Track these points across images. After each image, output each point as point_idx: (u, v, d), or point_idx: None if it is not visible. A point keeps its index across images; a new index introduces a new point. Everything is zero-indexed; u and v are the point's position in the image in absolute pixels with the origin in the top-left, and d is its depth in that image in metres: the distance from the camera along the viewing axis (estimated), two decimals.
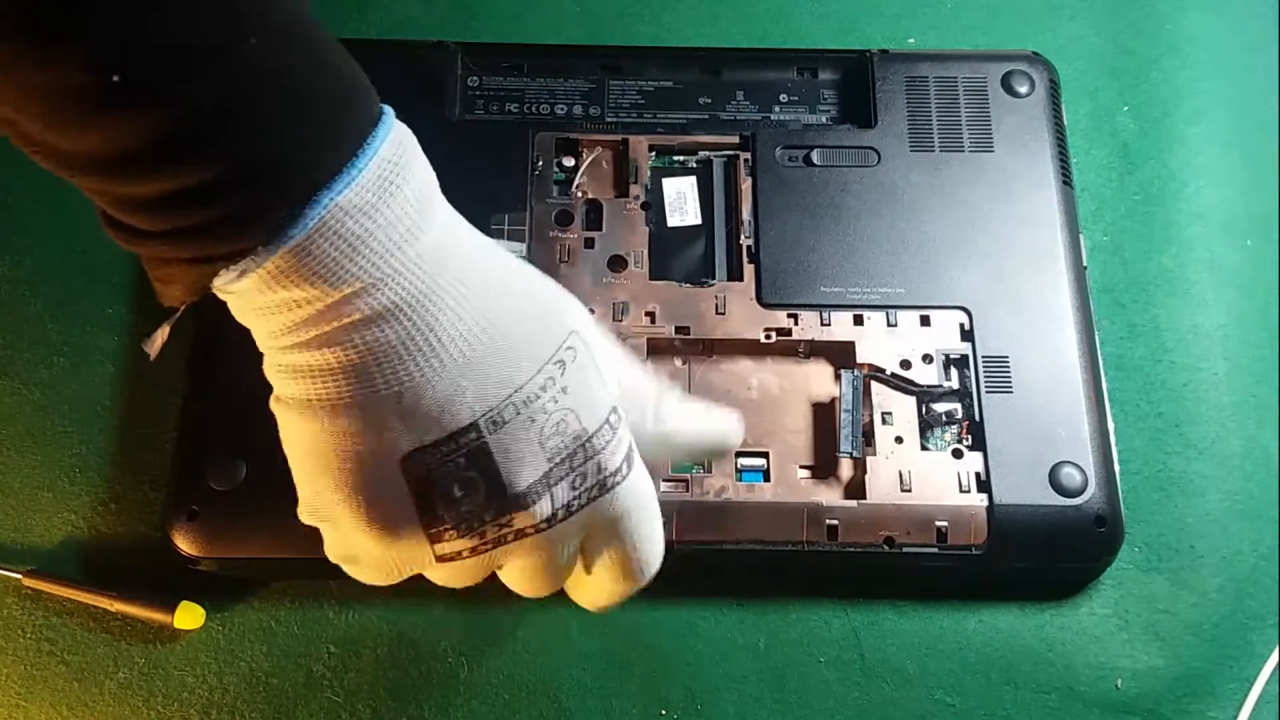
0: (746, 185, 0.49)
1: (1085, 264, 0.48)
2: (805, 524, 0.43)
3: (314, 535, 0.43)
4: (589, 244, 0.48)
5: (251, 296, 0.29)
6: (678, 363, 0.47)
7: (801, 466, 0.45)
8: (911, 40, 0.56)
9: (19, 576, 0.44)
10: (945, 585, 0.45)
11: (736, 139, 0.50)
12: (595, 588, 0.36)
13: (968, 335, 0.46)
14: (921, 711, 0.44)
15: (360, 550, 0.33)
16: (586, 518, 0.33)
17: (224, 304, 0.46)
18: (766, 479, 0.45)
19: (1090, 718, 0.44)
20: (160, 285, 0.31)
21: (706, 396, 0.46)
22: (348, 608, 0.45)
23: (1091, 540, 0.44)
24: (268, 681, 0.44)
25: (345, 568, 0.35)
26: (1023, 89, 0.51)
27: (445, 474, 0.30)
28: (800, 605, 0.45)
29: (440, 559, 0.32)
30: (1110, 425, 0.46)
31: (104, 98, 0.25)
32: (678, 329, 0.46)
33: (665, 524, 0.43)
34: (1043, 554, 0.44)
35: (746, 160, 0.49)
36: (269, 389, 0.46)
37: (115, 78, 0.24)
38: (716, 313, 0.47)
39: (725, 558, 0.44)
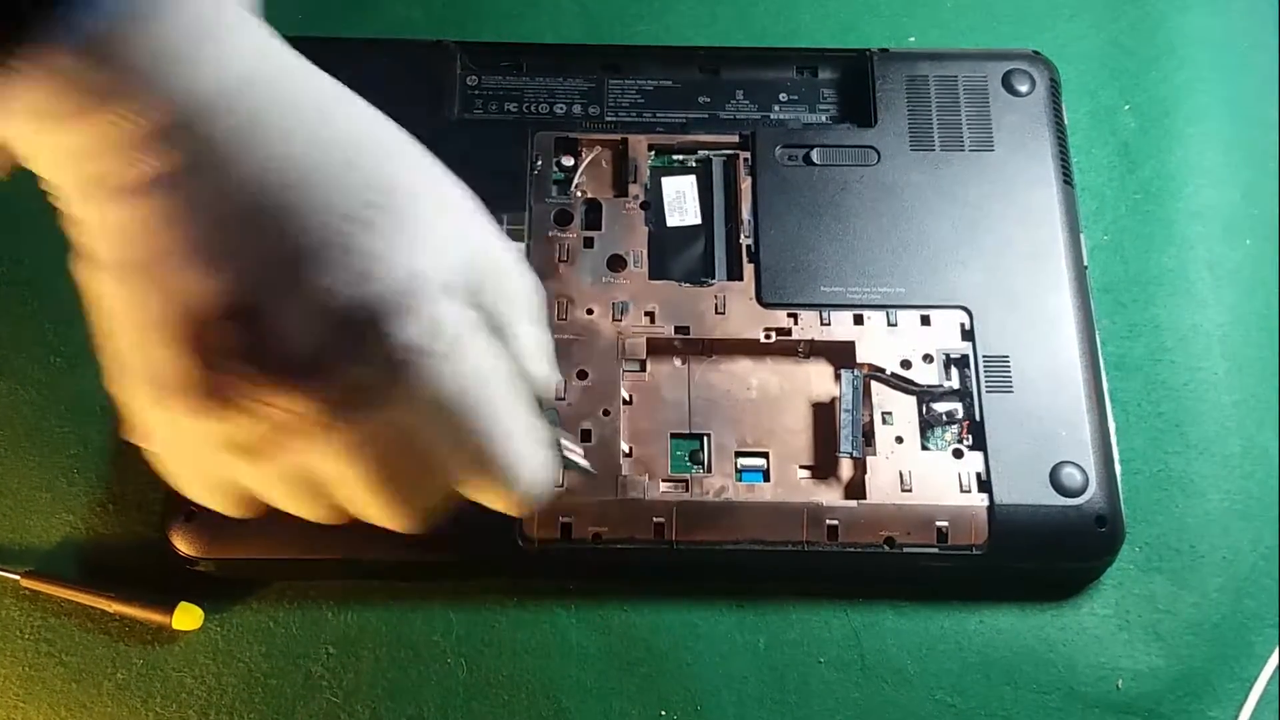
0: (746, 185, 0.49)
1: (1086, 263, 0.48)
2: (805, 524, 0.43)
3: (313, 535, 0.43)
4: (588, 244, 0.48)
5: (49, 111, 0.25)
6: (677, 363, 0.47)
7: (801, 466, 0.45)
8: (912, 39, 0.56)
9: (17, 577, 0.44)
10: (945, 585, 0.45)
11: (736, 138, 0.50)
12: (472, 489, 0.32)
13: (968, 335, 0.46)
14: (921, 711, 0.44)
15: (143, 422, 0.30)
16: (392, 409, 0.28)
17: None
18: (766, 479, 0.45)
19: (1091, 718, 0.44)
20: None
21: (706, 396, 0.46)
22: (347, 608, 0.45)
23: (1092, 540, 0.43)
24: (266, 682, 0.44)
25: (153, 450, 0.31)
26: (1023, 88, 0.51)
27: (218, 343, 0.27)
28: (800, 605, 0.45)
29: (240, 450, 0.29)
30: (1111, 425, 0.46)
31: None
32: (677, 329, 0.46)
33: (665, 524, 0.43)
34: (1043, 554, 0.44)
35: (746, 159, 0.49)
36: None
37: None
38: (716, 312, 0.47)
39: (725, 558, 0.43)
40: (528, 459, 0.32)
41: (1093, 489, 0.44)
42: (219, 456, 0.29)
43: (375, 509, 0.31)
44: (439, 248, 0.29)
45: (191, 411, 0.28)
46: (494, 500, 0.32)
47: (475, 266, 0.30)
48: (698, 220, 0.49)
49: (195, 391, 0.28)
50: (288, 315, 0.27)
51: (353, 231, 0.27)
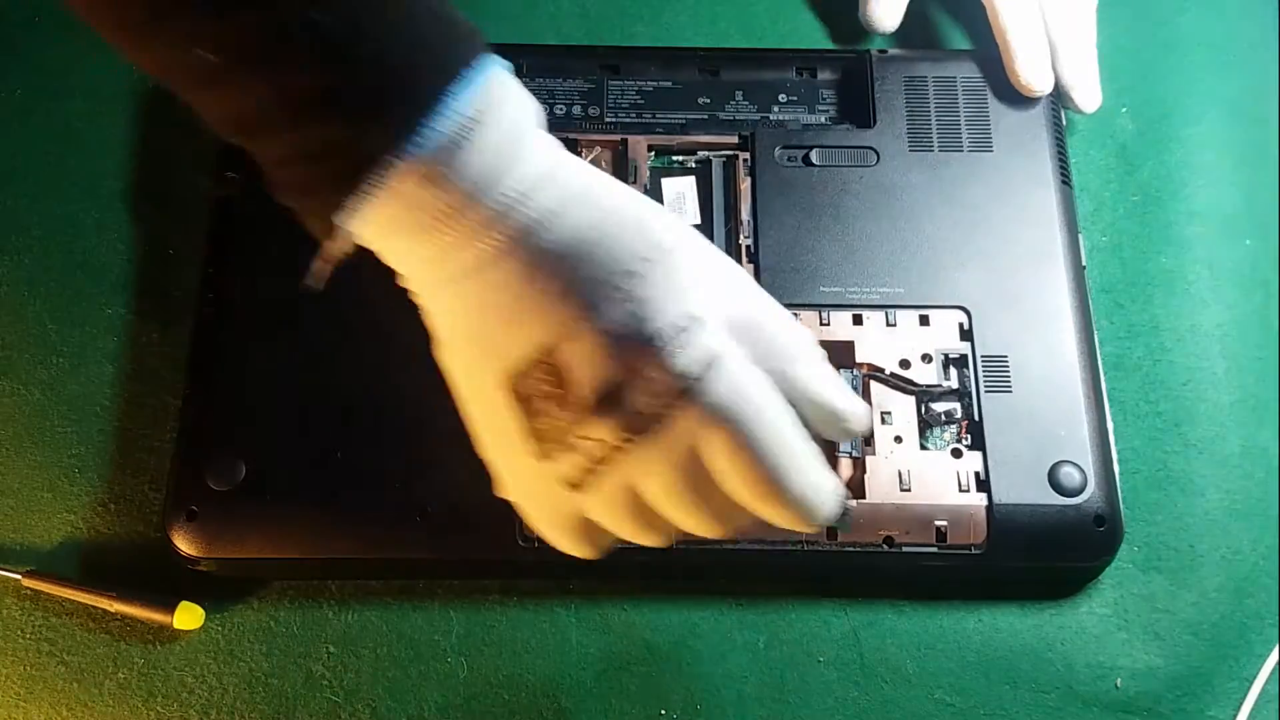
0: (745, 185, 0.49)
1: (1084, 264, 0.48)
2: None
3: (313, 535, 0.43)
4: None
5: (396, 226, 0.31)
6: None
7: None
8: (911, 40, 0.56)
9: (18, 577, 0.44)
10: (945, 585, 0.45)
11: (735, 139, 0.50)
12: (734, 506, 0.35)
13: (967, 335, 0.46)
14: (921, 711, 0.44)
15: (501, 475, 0.35)
16: (680, 426, 0.32)
17: (223, 301, 0.46)
18: None
19: (1090, 717, 0.44)
20: (310, 220, 0.33)
21: None
22: (347, 608, 0.45)
23: (1091, 540, 0.44)
24: (267, 682, 0.44)
25: (514, 500, 0.36)
26: None
27: (536, 394, 0.32)
28: (800, 605, 0.45)
29: (573, 485, 0.33)
30: (1109, 425, 0.46)
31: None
32: None
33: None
34: (1042, 553, 0.44)
35: (745, 160, 0.49)
36: (270, 389, 0.47)
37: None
38: None
39: (725, 558, 0.44)
40: (817, 486, 0.34)
41: (1091, 488, 0.44)
42: (560, 495, 0.34)
43: (693, 523, 0.34)
44: (705, 295, 0.33)
45: (526, 456, 0.33)
46: (790, 523, 0.34)
47: (742, 313, 0.34)
48: (697, 221, 0.49)
49: (525, 437, 0.33)
50: (581, 358, 0.32)
51: (630, 286, 0.32)
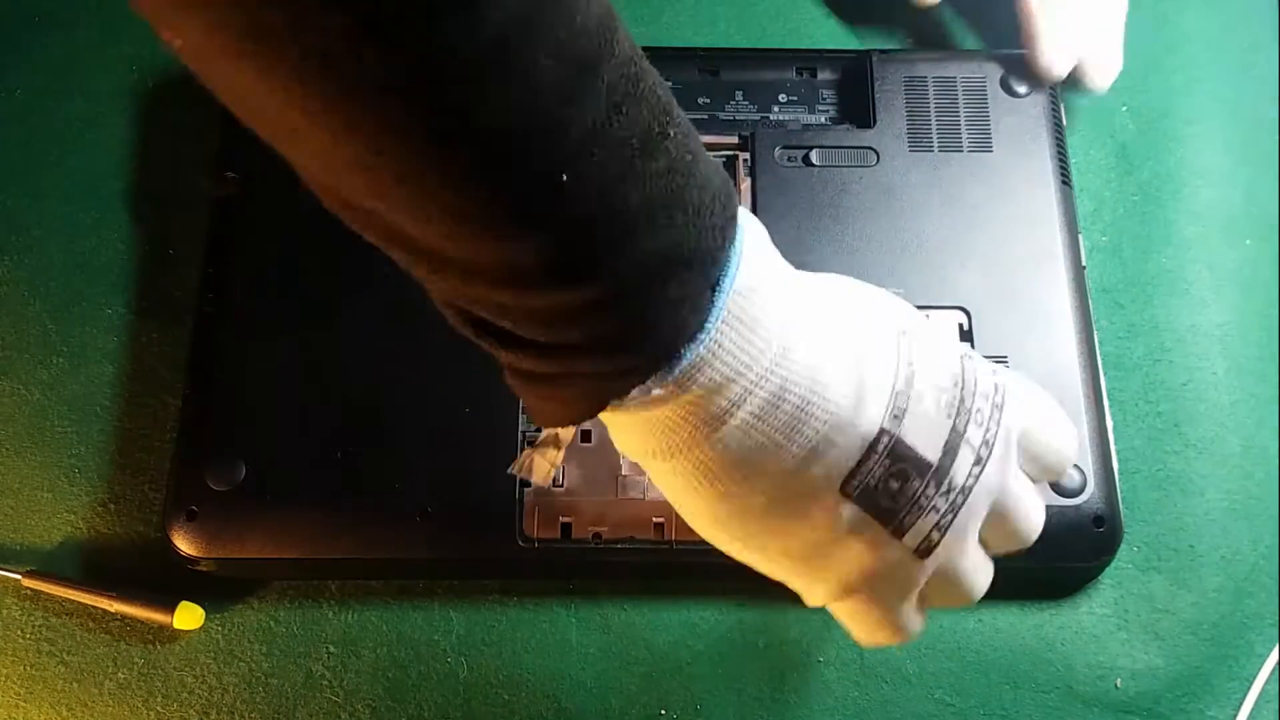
0: (746, 185, 0.49)
1: (1084, 264, 0.48)
2: None
3: (313, 535, 0.43)
4: None
5: (643, 407, 0.30)
6: None
7: None
8: (911, 40, 0.56)
9: (18, 577, 0.44)
10: None
11: (735, 139, 0.50)
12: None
13: (967, 335, 0.46)
14: (921, 711, 0.44)
15: (860, 582, 0.33)
16: (1005, 436, 0.33)
17: (223, 301, 0.46)
18: None
19: (1090, 717, 0.44)
20: (538, 404, 0.31)
21: None
22: (347, 608, 0.45)
23: (1090, 540, 0.44)
24: (267, 682, 0.44)
25: (870, 613, 0.34)
26: (1021, 89, 0.51)
27: (879, 479, 0.31)
28: (800, 605, 0.45)
29: (920, 553, 0.32)
30: (1109, 425, 0.46)
31: (512, 220, 0.25)
32: None
33: (665, 524, 0.44)
34: (1042, 554, 0.43)
35: (746, 160, 0.49)
36: (270, 389, 0.46)
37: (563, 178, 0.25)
38: None
39: (725, 558, 0.43)
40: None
41: (1091, 489, 0.44)
42: (910, 569, 0.33)
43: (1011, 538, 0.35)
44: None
45: (884, 542, 0.32)
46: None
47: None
48: None
49: (880, 524, 0.32)
50: (921, 427, 0.31)
51: (905, 344, 0.32)
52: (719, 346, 0.29)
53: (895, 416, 0.31)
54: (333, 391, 0.45)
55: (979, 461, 0.32)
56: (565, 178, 0.25)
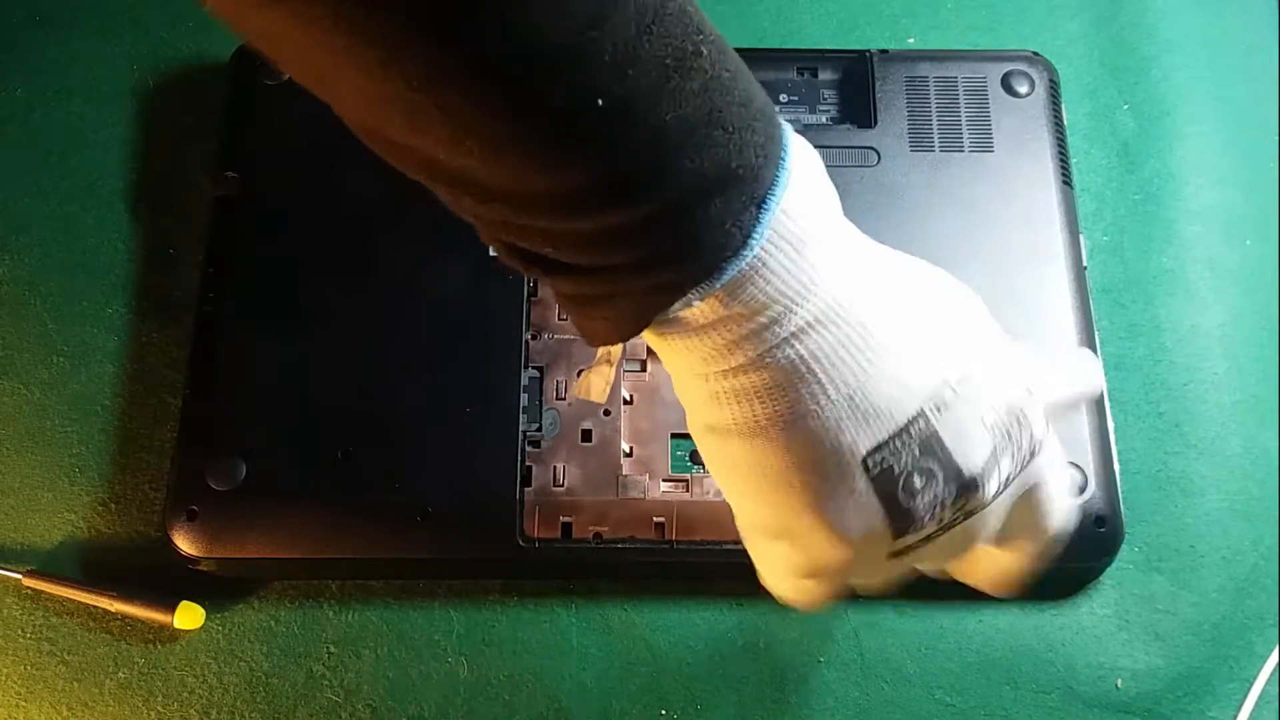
0: None
1: (1085, 264, 0.48)
2: None
3: (314, 535, 0.43)
4: None
5: (689, 326, 0.29)
6: None
7: None
8: (911, 40, 0.56)
9: (19, 576, 0.44)
10: (945, 585, 0.45)
11: None
12: (1005, 560, 0.35)
13: None
14: (921, 711, 0.44)
15: (827, 560, 0.31)
16: (1016, 488, 0.32)
17: (224, 300, 0.46)
18: None
19: (1090, 718, 0.44)
20: (585, 324, 0.30)
21: None
22: (348, 608, 0.45)
23: (1091, 540, 0.44)
24: (268, 681, 0.44)
25: (802, 585, 0.33)
26: (1023, 89, 0.51)
27: (904, 466, 0.30)
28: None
29: (894, 554, 0.31)
30: (1110, 425, 0.46)
31: (571, 144, 0.25)
32: None
33: (665, 524, 0.44)
34: None
35: None
36: (271, 389, 0.46)
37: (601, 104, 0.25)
38: None
39: (725, 558, 0.44)
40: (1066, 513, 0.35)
41: (1092, 489, 0.44)
42: (890, 560, 0.32)
43: (937, 563, 0.34)
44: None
45: (878, 530, 0.31)
46: (1021, 565, 0.35)
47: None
48: None
49: (886, 512, 0.30)
50: (964, 431, 0.30)
51: (936, 415, 0.30)
52: (762, 265, 0.28)
53: (937, 407, 0.30)
54: (333, 391, 0.45)
55: (994, 497, 0.31)
56: (601, 102, 0.24)
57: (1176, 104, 0.54)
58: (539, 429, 0.45)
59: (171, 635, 0.44)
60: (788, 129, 0.29)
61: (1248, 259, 0.51)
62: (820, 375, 0.29)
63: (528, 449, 0.44)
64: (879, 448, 0.29)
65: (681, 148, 0.26)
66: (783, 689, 0.44)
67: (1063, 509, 0.34)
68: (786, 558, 0.32)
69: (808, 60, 0.52)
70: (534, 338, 0.46)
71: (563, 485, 0.44)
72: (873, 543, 0.31)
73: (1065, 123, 0.51)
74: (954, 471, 0.30)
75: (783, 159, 0.28)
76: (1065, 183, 0.49)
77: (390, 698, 0.43)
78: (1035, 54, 0.52)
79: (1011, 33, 0.56)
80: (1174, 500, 0.47)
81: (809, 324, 0.29)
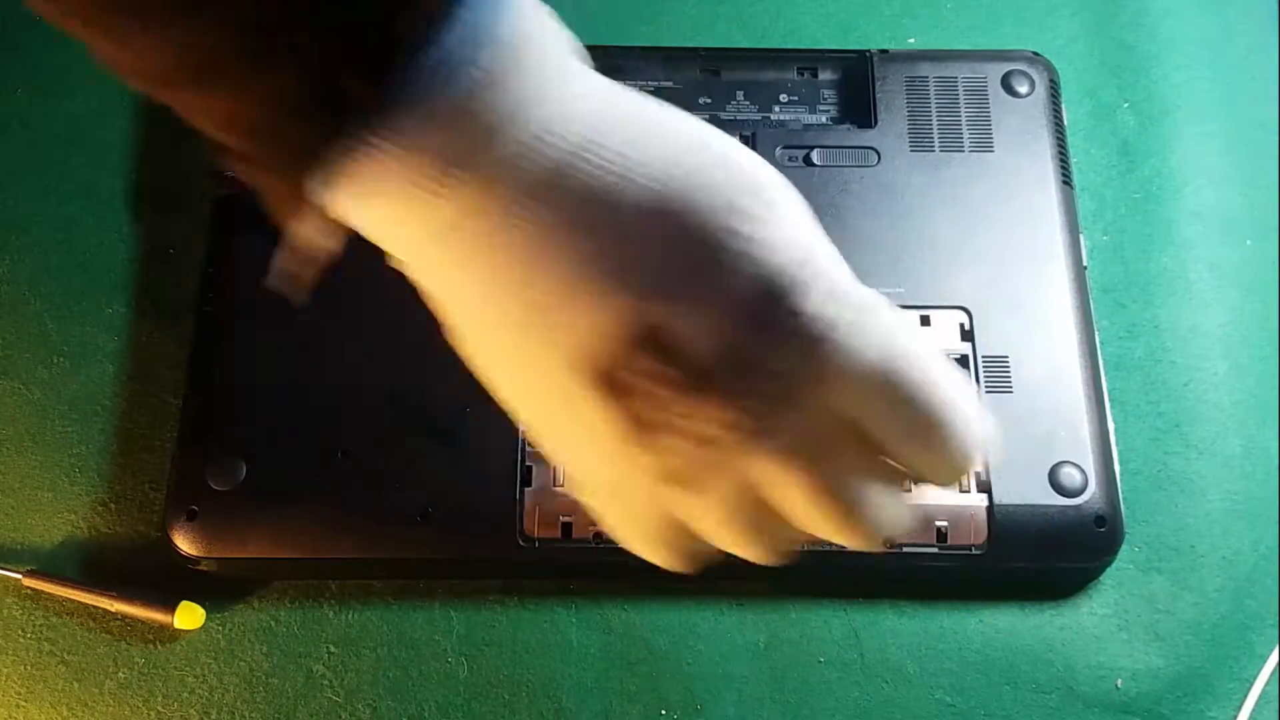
0: None
1: (1085, 264, 0.48)
2: None
3: (314, 535, 0.43)
4: None
5: (387, 183, 0.25)
6: None
7: None
8: (911, 40, 0.56)
9: (19, 576, 0.44)
10: (945, 585, 0.45)
11: (737, 139, 0.50)
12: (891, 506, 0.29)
13: (968, 335, 0.46)
14: (921, 711, 0.44)
15: (585, 469, 0.28)
16: (828, 389, 0.26)
17: (224, 300, 0.46)
18: None
19: (1090, 718, 0.44)
20: (274, 203, 0.27)
21: None
22: (348, 608, 0.45)
23: (1091, 540, 0.44)
24: (268, 682, 0.44)
25: (595, 503, 0.30)
26: (1023, 89, 0.51)
27: (630, 370, 0.26)
28: (800, 605, 0.45)
29: (677, 482, 0.27)
30: (1110, 425, 0.46)
31: None
32: None
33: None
34: (1043, 554, 0.44)
35: None
36: (271, 389, 0.46)
37: None
38: None
39: (725, 558, 0.43)
40: (973, 420, 0.28)
41: (1092, 489, 0.44)
42: (658, 496, 0.28)
43: (827, 522, 0.28)
44: (815, 231, 0.28)
45: (622, 449, 0.27)
46: (943, 476, 0.29)
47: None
48: None
49: (616, 426, 0.26)
50: (694, 324, 0.26)
51: (736, 227, 0.26)
52: (470, 98, 0.23)
53: (689, 272, 0.25)
54: (333, 391, 0.45)
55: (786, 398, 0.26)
56: None
57: (1176, 104, 0.54)
58: None
59: (171, 635, 0.44)
60: None
61: (1248, 259, 0.51)
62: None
63: (527, 449, 0.44)
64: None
65: None
66: (783, 689, 0.44)
67: (964, 406, 0.28)
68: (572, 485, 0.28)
69: (808, 60, 0.52)
70: None
71: (563, 485, 0.44)
72: (598, 432, 0.27)
73: (1065, 122, 0.51)
74: (694, 368, 0.26)
75: None
76: (1065, 182, 0.49)
77: (390, 698, 0.43)
78: (1035, 54, 0.52)
79: (1011, 33, 0.56)
80: (1174, 500, 0.47)
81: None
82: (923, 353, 0.27)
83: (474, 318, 0.27)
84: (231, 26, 0.23)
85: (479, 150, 0.25)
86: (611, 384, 0.26)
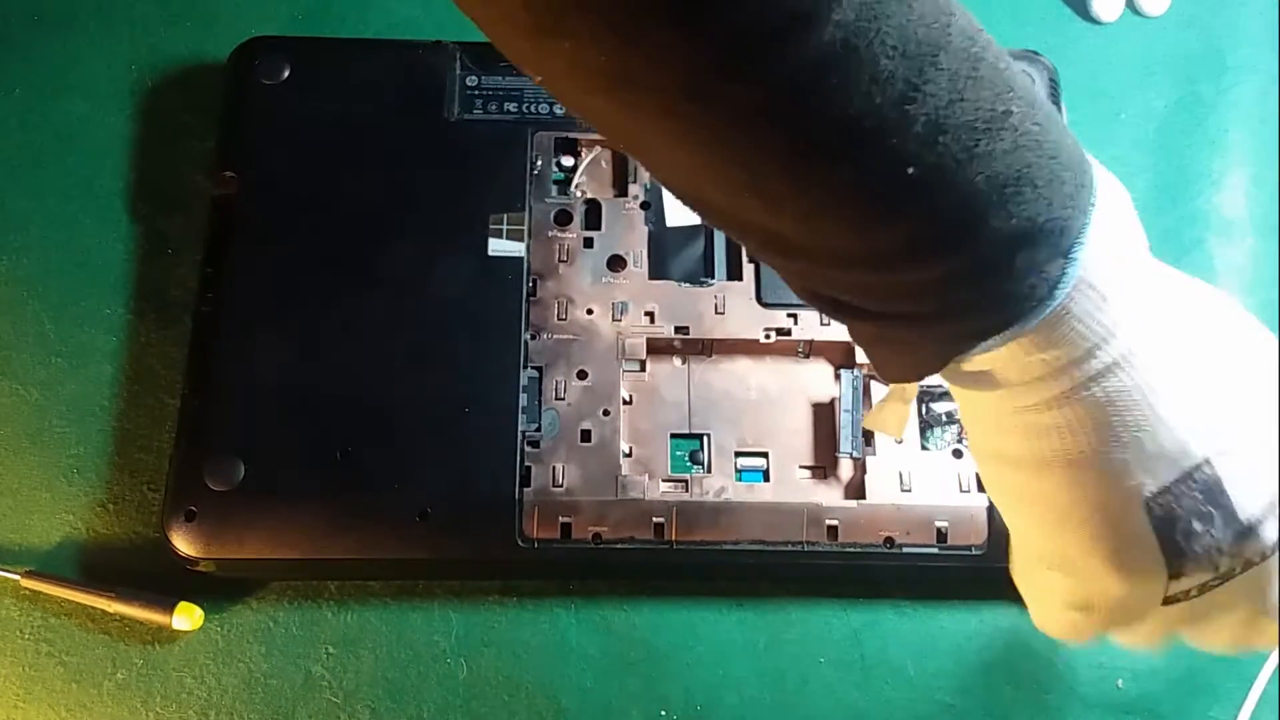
0: None
1: None
2: (805, 524, 0.43)
3: (312, 536, 0.43)
4: (588, 244, 0.48)
5: (993, 365, 0.29)
6: (677, 362, 0.47)
7: (801, 466, 0.45)
8: None
9: (17, 577, 0.44)
10: (945, 585, 0.45)
11: None
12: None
13: None
14: (922, 712, 0.44)
15: (1100, 597, 0.32)
16: None
17: (222, 300, 0.46)
18: (766, 479, 0.45)
19: (1090, 718, 0.44)
20: (882, 362, 0.31)
21: (706, 397, 0.46)
22: (346, 608, 0.45)
23: None
24: (266, 682, 0.44)
25: (1073, 617, 0.33)
26: None
27: (1185, 510, 0.30)
28: (800, 605, 0.45)
29: (1168, 600, 0.31)
30: None
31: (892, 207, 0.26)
32: (677, 329, 0.46)
33: (665, 524, 0.44)
34: None
35: None
36: (269, 389, 0.46)
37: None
38: (716, 312, 0.47)
39: (725, 558, 0.44)
40: None
41: None
42: (1160, 611, 0.31)
43: (1226, 636, 0.33)
44: None
45: (1149, 571, 0.30)
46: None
47: None
48: (698, 220, 0.49)
49: (1160, 553, 0.30)
50: (1242, 473, 0.30)
51: (1219, 462, 0.30)
52: (1066, 312, 0.28)
53: (1221, 453, 0.30)
54: (332, 392, 0.45)
55: (1273, 548, 0.30)
56: (912, 170, 0.25)
57: (1176, 104, 0.54)
58: (538, 429, 0.45)
59: (170, 636, 0.44)
60: (1096, 171, 0.29)
61: (1248, 259, 0.51)
62: (1113, 418, 0.29)
63: (527, 449, 0.44)
64: (1163, 491, 0.29)
65: (990, 207, 0.26)
66: (783, 689, 0.44)
67: None
68: (1060, 588, 0.33)
69: None
70: (533, 337, 0.46)
71: (562, 485, 0.44)
72: (1147, 580, 0.30)
73: (1065, 123, 0.51)
74: (1231, 515, 0.30)
75: (1090, 206, 0.28)
76: None
77: (390, 698, 0.43)
78: (1035, 54, 0.52)
79: (1011, 33, 0.56)
80: None
81: (1106, 368, 0.29)
82: None
83: (1038, 446, 0.30)
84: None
85: (1063, 375, 0.29)
86: (1164, 523, 0.30)
